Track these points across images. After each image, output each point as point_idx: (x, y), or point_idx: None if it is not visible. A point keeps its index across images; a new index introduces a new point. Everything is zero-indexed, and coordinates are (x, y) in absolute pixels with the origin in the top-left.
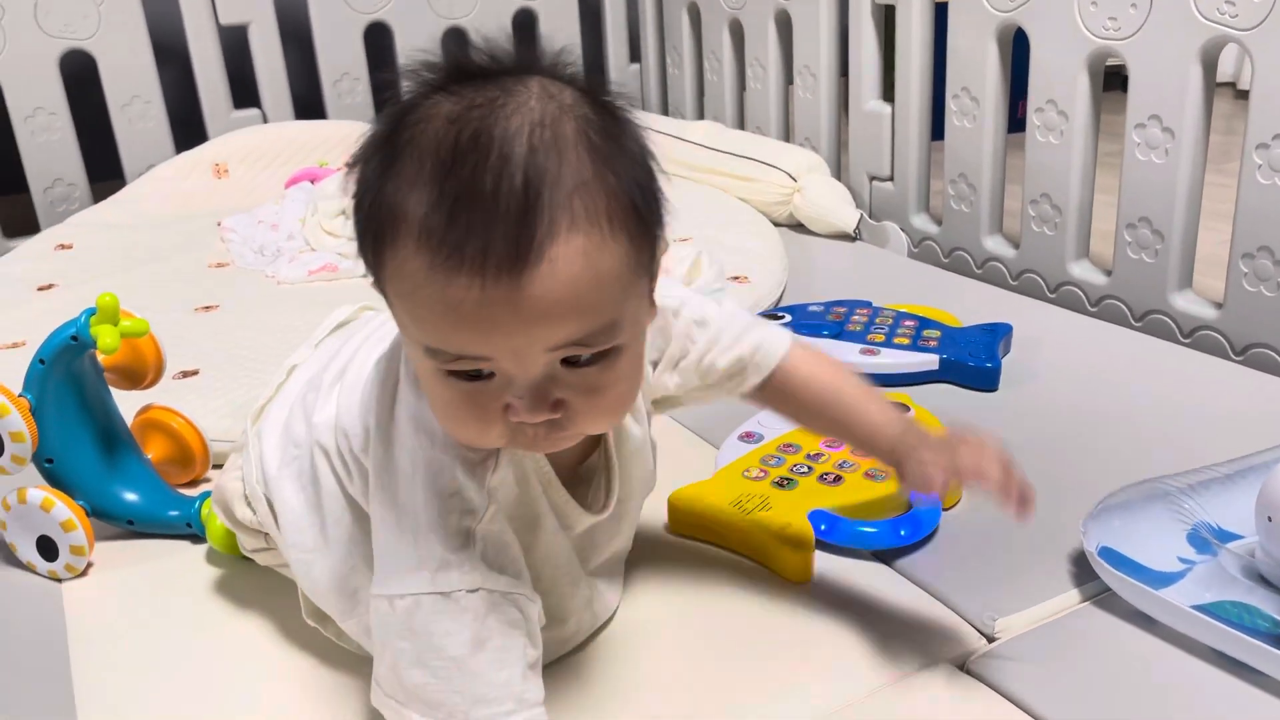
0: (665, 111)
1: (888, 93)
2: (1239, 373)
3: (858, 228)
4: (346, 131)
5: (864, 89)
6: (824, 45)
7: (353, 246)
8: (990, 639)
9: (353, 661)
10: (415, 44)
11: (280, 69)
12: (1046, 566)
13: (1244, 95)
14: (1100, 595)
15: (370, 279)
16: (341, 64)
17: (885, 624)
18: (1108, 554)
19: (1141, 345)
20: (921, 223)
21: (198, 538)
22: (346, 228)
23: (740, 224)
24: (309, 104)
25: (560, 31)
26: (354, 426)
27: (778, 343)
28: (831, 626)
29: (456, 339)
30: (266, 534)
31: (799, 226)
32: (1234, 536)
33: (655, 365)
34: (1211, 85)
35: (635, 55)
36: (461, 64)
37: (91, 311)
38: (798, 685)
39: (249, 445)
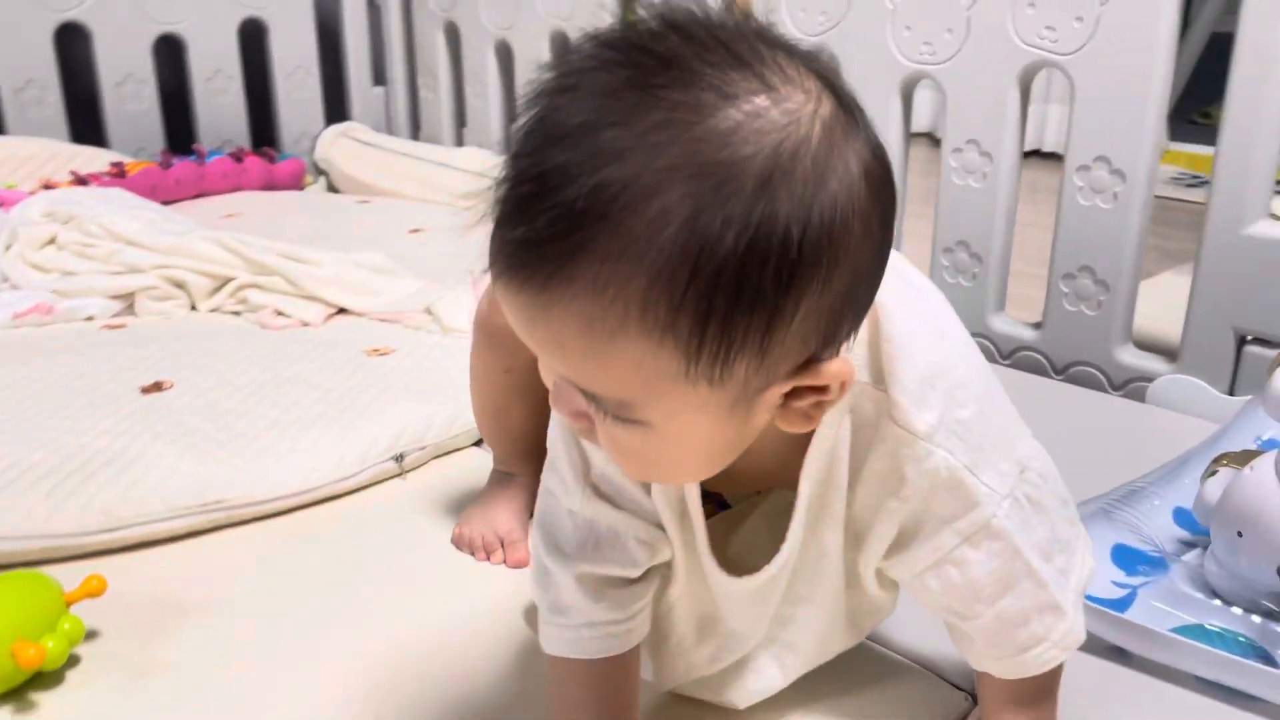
0: (416, 138)
1: None
2: (1063, 390)
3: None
4: (34, 149)
5: None
6: None
7: (70, 281)
8: (972, 695)
9: None
10: (119, 50)
11: None
12: None
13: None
14: None
15: None
16: (25, 69)
17: (867, 695)
18: None
19: None
20: None
21: None
22: (59, 259)
23: None
24: None
25: (293, 47)
26: None
27: (1059, 648)
28: (813, 706)
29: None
30: None
31: None
32: (1161, 559)
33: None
34: (1026, 109)
35: (380, 77)
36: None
37: None
38: None
39: None
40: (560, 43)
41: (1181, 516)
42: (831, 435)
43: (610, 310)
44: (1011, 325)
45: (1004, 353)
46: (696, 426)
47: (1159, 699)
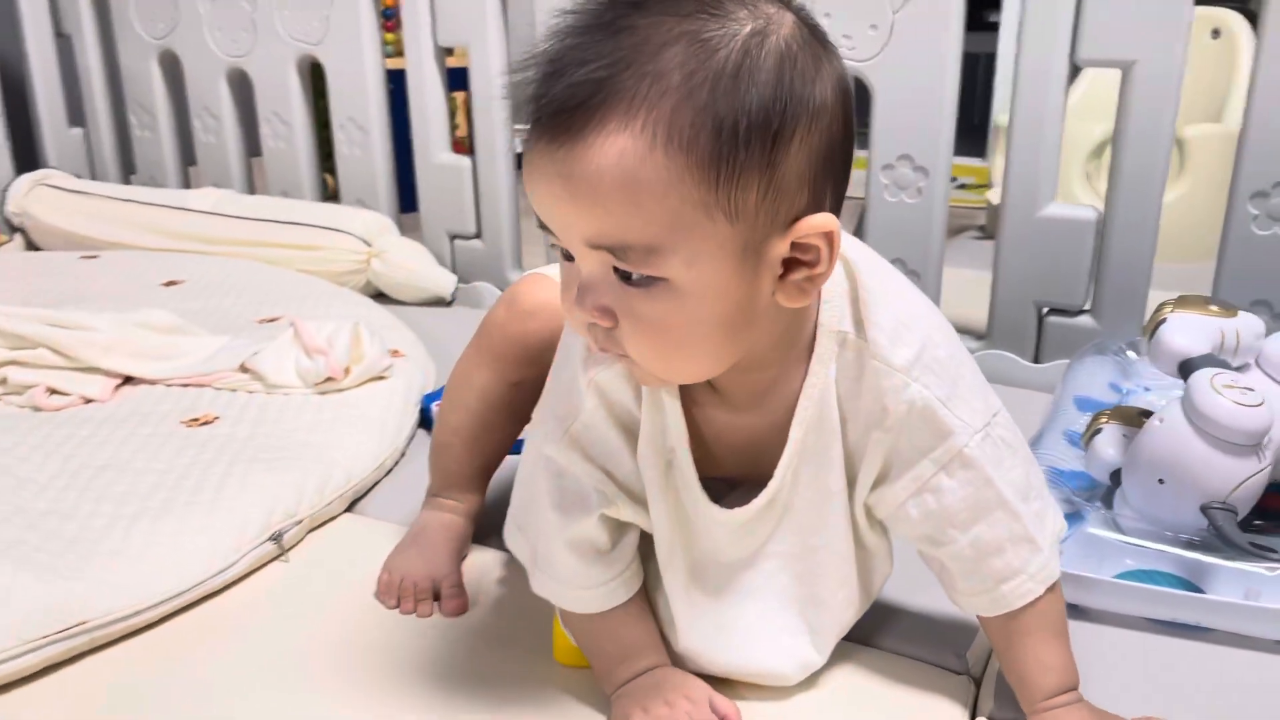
0: (128, 182)
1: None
2: None
3: (455, 291)
4: None
5: (432, 140)
6: (371, 94)
7: None
8: (972, 676)
9: None
10: None
11: None
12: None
13: None
14: None
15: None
16: None
17: (878, 699)
18: None
19: None
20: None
21: None
22: None
23: (327, 297)
24: None
25: None
26: None
27: (1036, 580)
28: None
29: (532, 197)
30: None
31: (379, 295)
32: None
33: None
34: None
35: (78, 117)
36: None
37: None
38: None
39: None
40: (309, 69)
41: (1054, 476)
42: (820, 383)
43: (640, 138)
44: None
45: None
46: (715, 277)
47: (1112, 645)
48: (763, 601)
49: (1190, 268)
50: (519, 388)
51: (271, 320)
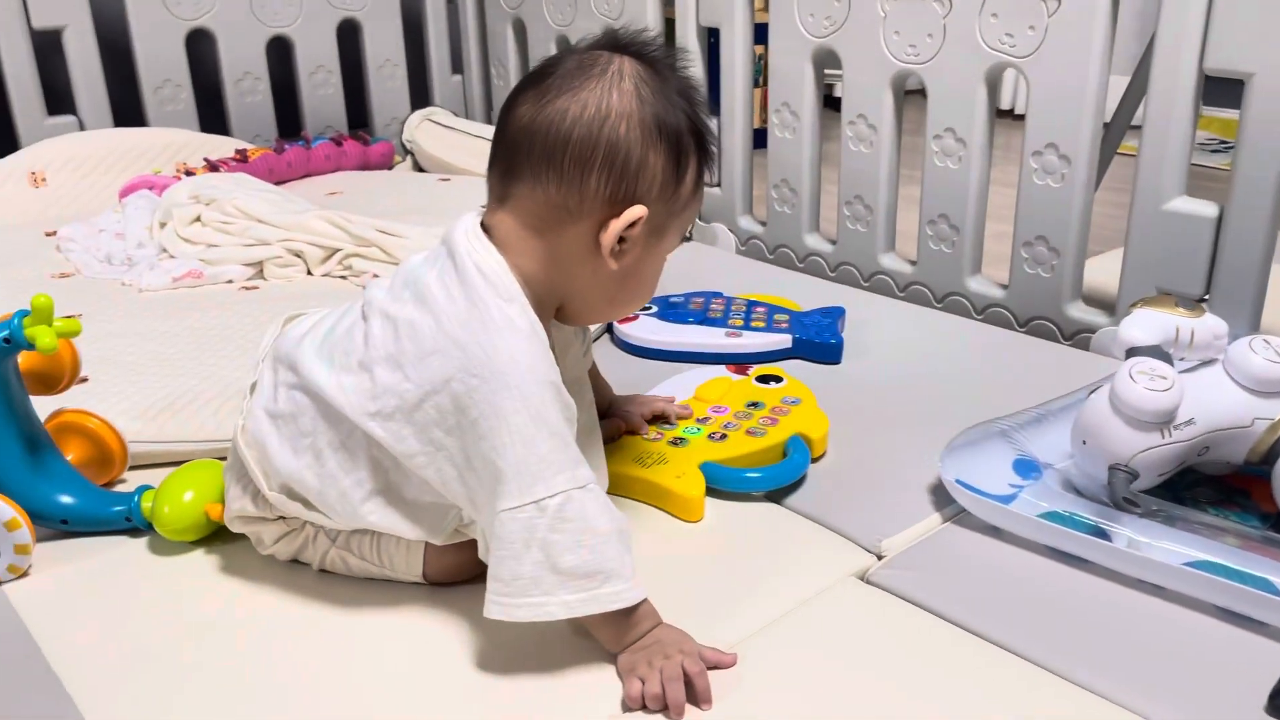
0: (489, 121)
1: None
2: (1024, 341)
3: (690, 229)
4: (171, 139)
5: None
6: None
7: (214, 253)
8: (879, 556)
9: (336, 619)
10: (237, 51)
11: (98, 75)
12: (911, 496)
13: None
14: (958, 515)
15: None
16: (162, 70)
17: (788, 552)
18: (961, 483)
19: (945, 322)
20: (747, 223)
21: (137, 531)
22: (204, 234)
23: None
24: (127, 111)
25: (383, 42)
26: (441, 372)
27: None
28: (742, 557)
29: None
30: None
31: None
32: (1041, 467)
33: None
34: (995, 103)
35: (458, 66)
36: None
37: (25, 313)
38: (719, 610)
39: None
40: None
41: None
42: None
43: None
44: (984, 285)
45: (977, 309)
46: None
47: (1021, 563)
48: None
49: None
50: None
51: None
